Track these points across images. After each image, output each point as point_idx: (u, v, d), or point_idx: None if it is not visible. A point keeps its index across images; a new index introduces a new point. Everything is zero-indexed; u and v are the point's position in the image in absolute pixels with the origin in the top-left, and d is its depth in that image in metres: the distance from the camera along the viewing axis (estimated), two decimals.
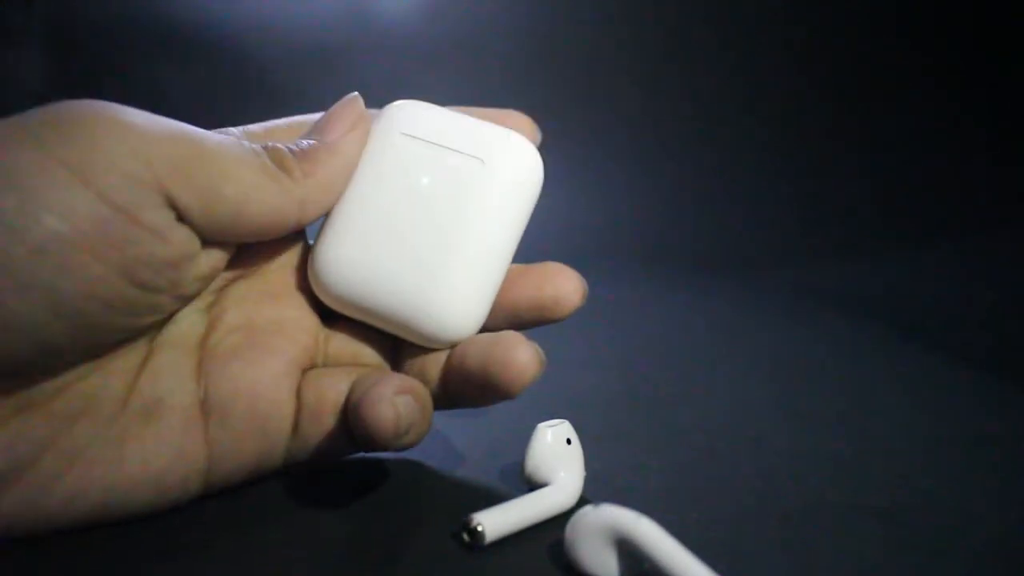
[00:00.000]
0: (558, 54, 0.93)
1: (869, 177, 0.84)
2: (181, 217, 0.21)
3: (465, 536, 0.23)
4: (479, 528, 0.23)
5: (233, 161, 0.22)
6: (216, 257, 0.23)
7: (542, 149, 0.26)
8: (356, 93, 0.25)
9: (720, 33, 0.92)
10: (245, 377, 0.24)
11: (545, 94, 0.92)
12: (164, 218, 0.21)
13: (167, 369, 0.24)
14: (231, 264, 0.24)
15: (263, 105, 0.61)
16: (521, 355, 0.23)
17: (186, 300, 0.24)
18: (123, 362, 0.23)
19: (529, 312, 0.26)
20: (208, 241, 0.22)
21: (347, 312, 0.25)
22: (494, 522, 0.23)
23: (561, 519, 0.24)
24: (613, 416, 0.35)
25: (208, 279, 0.24)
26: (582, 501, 0.26)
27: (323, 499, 0.26)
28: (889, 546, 0.24)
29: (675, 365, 0.44)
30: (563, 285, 0.26)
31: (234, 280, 0.25)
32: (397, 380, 0.23)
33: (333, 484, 0.27)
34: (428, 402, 0.24)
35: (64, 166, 0.19)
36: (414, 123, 0.25)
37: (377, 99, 0.27)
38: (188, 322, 0.24)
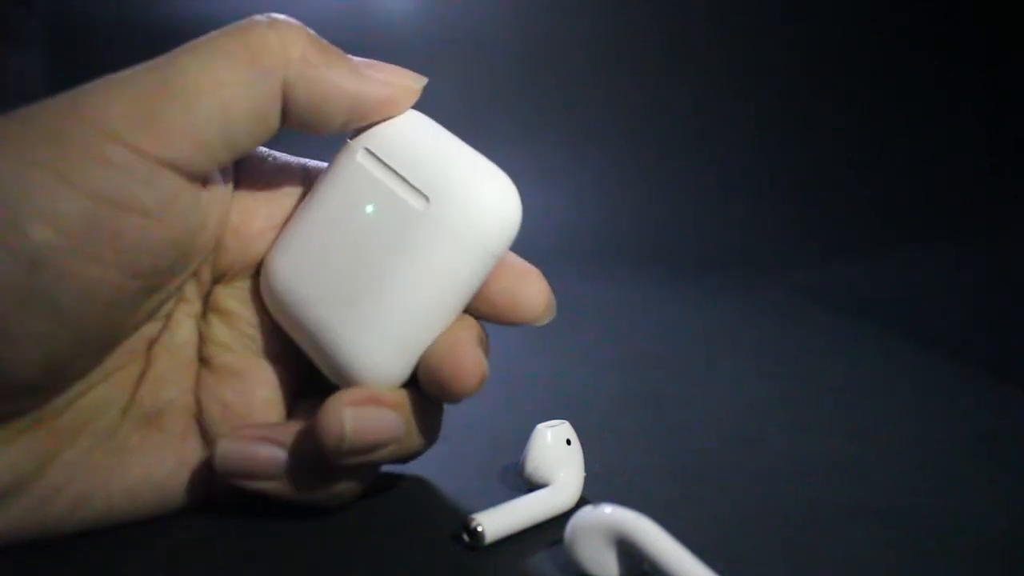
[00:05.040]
0: (558, 54, 0.93)
1: (869, 177, 0.84)
2: (175, 168, 0.20)
3: (465, 536, 0.23)
4: (479, 528, 0.23)
5: (201, 67, 0.20)
6: (217, 209, 0.22)
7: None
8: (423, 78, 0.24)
9: (720, 33, 0.92)
10: (237, 401, 0.24)
11: (545, 94, 0.92)
12: (156, 191, 0.20)
13: (166, 379, 0.23)
14: (218, 264, 0.24)
15: None
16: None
17: (190, 276, 0.23)
18: (124, 373, 0.23)
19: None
20: (215, 171, 0.21)
21: (281, 325, 0.24)
22: (494, 522, 0.23)
23: (561, 519, 0.24)
24: (613, 416, 0.35)
25: (210, 244, 0.23)
26: (582, 501, 0.26)
27: None
28: (889, 546, 0.24)
29: (675, 365, 0.44)
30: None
31: (223, 282, 0.24)
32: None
33: None
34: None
35: (41, 168, 0.19)
36: (384, 139, 0.23)
37: None
38: (184, 330, 0.24)
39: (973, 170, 0.81)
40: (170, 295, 0.23)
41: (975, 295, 0.62)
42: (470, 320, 0.23)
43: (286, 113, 0.22)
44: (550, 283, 0.24)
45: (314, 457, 0.22)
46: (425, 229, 0.21)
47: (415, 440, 0.23)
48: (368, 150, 0.23)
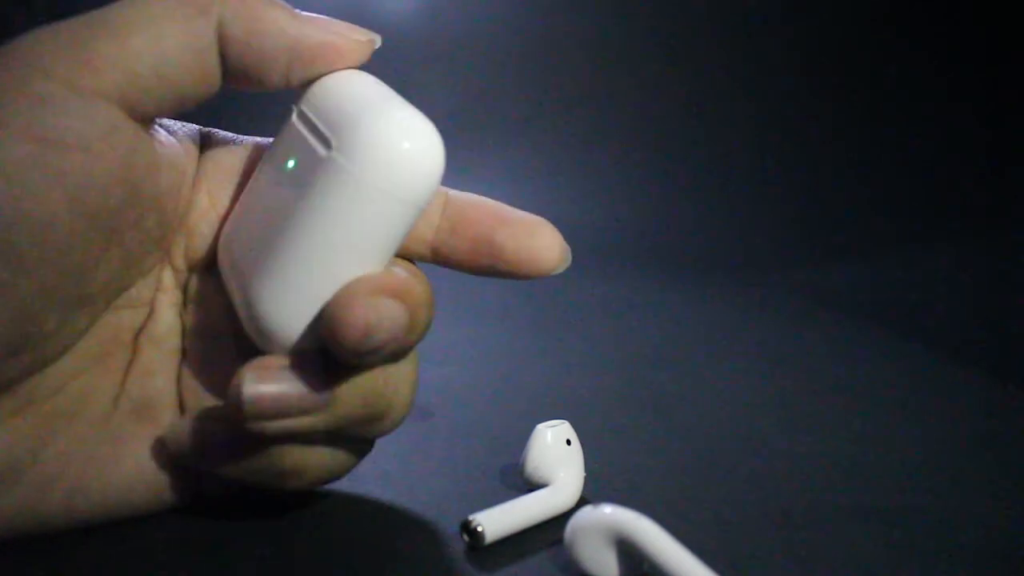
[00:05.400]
0: (558, 54, 0.93)
1: (869, 177, 0.84)
2: (111, 100, 0.20)
3: (465, 536, 0.23)
4: (479, 528, 0.23)
5: (134, 5, 0.21)
6: (176, 172, 0.22)
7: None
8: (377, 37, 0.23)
9: (720, 33, 0.92)
10: (216, 391, 0.24)
11: (545, 94, 0.92)
12: (94, 124, 0.20)
13: (153, 370, 0.23)
14: (192, 250, 0.23)
15: (263, 104, 0.61)
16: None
17: (156, 246, 0.23)
18: (111, 361, 0.23)
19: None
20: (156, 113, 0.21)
21: (229, 294, 0.23)
22: (494, 522, 0.23)
23: (561, 519, 0.24)
24: (613, 416, 0.35)
25: (171, 207, 0.22)
26: (582, 501, 0.26)
27: (323, 499, 0.26)
28: (889, 546, 0.24)
29: (675, 365, 0.44)
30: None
31: (199, 271, 0.24)
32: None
33: (334, 483, 0.27)
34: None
35: None
36: (315, 96, 0.22)
37: None
38: (167, 320, 0.24)
39: (973, 170, 0.81)
40: (135, 260, 0.22)
41: (975, 295, 0.62)
42: (390, 271, 0.21)
43: (225, 58, 0.21)
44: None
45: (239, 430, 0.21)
46: (326, 176, 0.20)
47: (345, 407, 0.21)
48: (300, 109, 0.22)
